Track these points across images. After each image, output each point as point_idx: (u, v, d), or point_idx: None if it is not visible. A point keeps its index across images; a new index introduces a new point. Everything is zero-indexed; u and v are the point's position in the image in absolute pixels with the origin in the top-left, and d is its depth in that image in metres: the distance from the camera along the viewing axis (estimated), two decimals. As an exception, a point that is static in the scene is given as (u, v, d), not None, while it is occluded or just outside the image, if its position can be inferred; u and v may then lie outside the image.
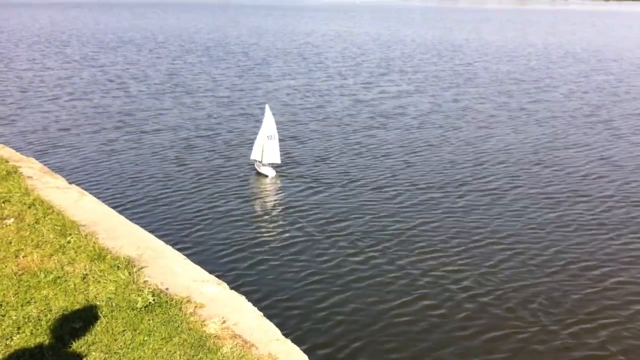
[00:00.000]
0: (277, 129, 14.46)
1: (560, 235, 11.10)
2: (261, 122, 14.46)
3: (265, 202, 12.83)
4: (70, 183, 9.86)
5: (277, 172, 14.31)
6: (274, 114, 14.13)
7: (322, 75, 31.30)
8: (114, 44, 45.78)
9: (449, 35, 57.61)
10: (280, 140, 15.31)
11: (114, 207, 9.38)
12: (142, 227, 8.23)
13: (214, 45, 45.30)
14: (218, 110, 21.56)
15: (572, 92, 26.87)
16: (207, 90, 25.97)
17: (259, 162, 14.38)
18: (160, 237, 8.17)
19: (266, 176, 14.19)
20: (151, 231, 8.37)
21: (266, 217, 11.86)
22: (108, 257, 6.68)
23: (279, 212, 12.10)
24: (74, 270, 6.36)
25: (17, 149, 13.36)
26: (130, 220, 8.47)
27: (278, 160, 14.21)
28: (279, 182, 13.93)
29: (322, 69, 33.34)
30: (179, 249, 7.90)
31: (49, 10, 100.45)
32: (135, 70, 32.08)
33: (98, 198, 9.48)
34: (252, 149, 14.48)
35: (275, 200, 12.85)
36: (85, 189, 9.89)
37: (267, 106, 14.52)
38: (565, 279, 9.45)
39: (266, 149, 14.07)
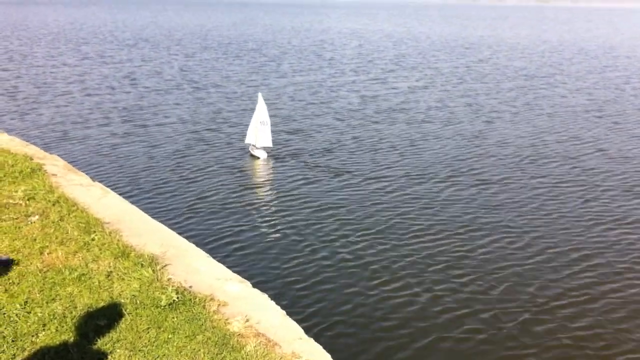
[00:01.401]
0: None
1: (548, 227, 11.35)
2: (261, 110, 15.36)
3: (267, 189, 13.18)
4: (93, 180, 9.94)
5: (268, 154, 15.43)
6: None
7: (333, 71, 31.43)
8: (132, 41, 46.17)
9: (463, 32, 57.32)
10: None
11: (125, 199, 9.50)
12: (152, 217, 8.34)
13: (230, 43, 45.53)
14: (230, 105, 21.97)
15: (581, 88, 26.79)
16: (220, 86, 26.38)
17: (252, 145, 15.51)
18: (169, 226, 8.32)
19: (258, 158, 15.28)
20: (162, 221, 8.46)
21: (268, 205, 12.15)
22: (132, 254, 6.70)
23: (280, 199, 12.46)
24: (99, 268, 6.39)
25: (31, 142, 13.64)
26: (142, 211, 8.58)
27: (270, 144, 15.24)
28: (271, 164, 14.74)
29: (333, 66, 33.46)
30: (184, 236, 7.94)
31: (69, 8, 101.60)
32: (151, 66, 32.40)
33: (113, 192, 9.55)
34: (250, 137, 15.60)
35: (275, 187, 13.23)
36: (99, 181, 10.00)
37: (259, 94, 15.65)
38: (549, 266, 9.74)
39: (259, 134, 15.13)
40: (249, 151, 15.77)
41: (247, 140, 15.64)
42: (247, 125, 16.41)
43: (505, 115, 21.12)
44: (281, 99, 23.60)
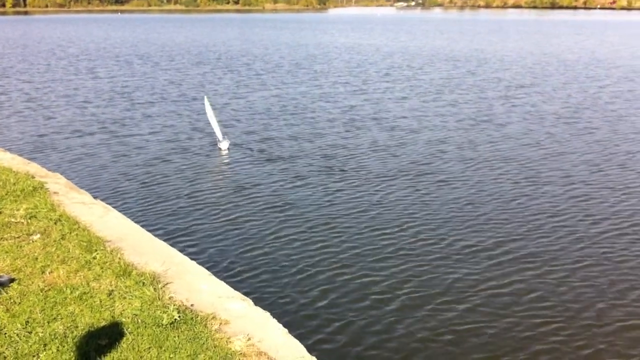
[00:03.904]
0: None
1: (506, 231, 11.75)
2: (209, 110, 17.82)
3: (259, 200, 13.38)
4: (95, 198, 9.95)
5: (229, 147, 17.79)
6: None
7: (318, 83, 32.03)
8: (126, 57, 46.75)
9: (455, 45, 57.88)
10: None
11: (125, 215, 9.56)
12: (152, 234, 8.40)
13: (220, 58, 46.12)
14: (219, 115, 22.54)
15: (557, 97, 27.37)
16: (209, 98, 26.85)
17: (219, 140, 17.79)
18: (169, 242, 8.37)
19: (220, 149, 17.64)
20: (161, 237, 8.46)
21: (265, 217, 12.25)
22: (134, 273, 6.69)
23: (274, 211, 12.72)
24: (100, 286, 6.39)
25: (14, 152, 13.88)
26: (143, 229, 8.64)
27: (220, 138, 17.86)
28: (258, 173, 15.48)
29: (320, 78, 34.07)
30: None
31: (67, 25, 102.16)
32: (142, 81, 32.91)
33: (115, 209, 9.55)
34: (215, 134, 18.05)
35: (265, 198, 13.49)
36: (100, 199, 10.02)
37: (205, 97, 18.47)
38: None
39: (218, 129, 17.81)
40: (219, 147, 17.83)
41: (219, 137, 17.90)
42: (225, 139, 18.10)
43: (476, 122, 21.73)
44: (265, 109, 24.35)
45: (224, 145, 17.79)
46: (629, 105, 25.19)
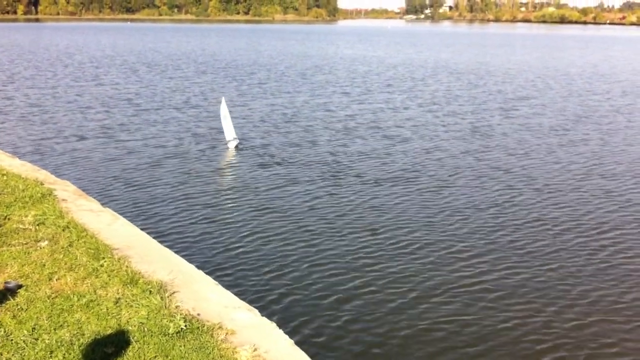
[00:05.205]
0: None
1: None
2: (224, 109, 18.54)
3: (264, 207, 13.35)
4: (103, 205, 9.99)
5: (237, 145, 18.51)
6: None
7: (319, 93, 32.28)
8: (132, 64, 47.03)
9: (459, 58, 58.16)
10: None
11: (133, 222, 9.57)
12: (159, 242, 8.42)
13: (226, 67, 46.46)
14: (217, 123, 22.52)
15: (555, 109, 27.63)
16: (211, 105, 26.92)
17: (229, 140, 18.38)
18: (176, 250, 8.36)
19: (228, 148, 18.30)
20: (167, 245, 8.47)
21: (269, 224, 12.16)
22: (140, 281, 6.70)
23: (279, 217, 12.66)
24: (107, 294, 6.40)
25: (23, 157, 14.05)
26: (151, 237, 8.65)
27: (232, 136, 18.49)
28: (263, 181, 15.40)
29: (321, 88, 34.35)
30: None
31: (75, 34, 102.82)
32: (148, 88, 33.03)
33: (123, 217, 9.58)
34: (225, 133, 18.57)
35: (271, 205, 13.52)
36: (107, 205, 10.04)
37: (223, 98, 19.25)
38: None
39: (229, 128, 18.41)
40: (228, 146, 18.41)
41: (227, 137, 18.49)
42: (234, 139, 18.67)
43: (473, 133, 21.97)
44: (267, 116, 24.56)
45: (232, 144, 18.38)
46: (626, 119, 25.35)
